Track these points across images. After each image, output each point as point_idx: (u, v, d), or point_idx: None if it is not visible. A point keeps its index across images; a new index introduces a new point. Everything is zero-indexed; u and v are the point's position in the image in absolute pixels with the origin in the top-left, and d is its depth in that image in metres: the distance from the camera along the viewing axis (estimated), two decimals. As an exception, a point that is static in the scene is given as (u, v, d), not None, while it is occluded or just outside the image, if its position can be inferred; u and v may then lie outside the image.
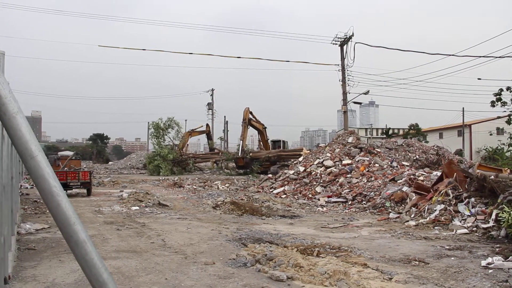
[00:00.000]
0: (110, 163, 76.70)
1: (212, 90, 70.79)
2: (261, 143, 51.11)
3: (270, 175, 29.07)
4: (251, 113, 46.61)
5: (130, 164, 64.49)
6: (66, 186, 20.10)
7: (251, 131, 50.98)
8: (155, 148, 49.90)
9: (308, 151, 38.08)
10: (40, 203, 17.56)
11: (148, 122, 51.63)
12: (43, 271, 7.27)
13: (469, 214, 11.81)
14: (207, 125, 59.74)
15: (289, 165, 29.66)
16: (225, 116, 75.62)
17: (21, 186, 22.88)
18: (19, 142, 1.67)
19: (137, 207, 16.55)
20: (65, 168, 25.36)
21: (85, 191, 22.04)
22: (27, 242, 9.81)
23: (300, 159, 28.20)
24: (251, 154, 44.41)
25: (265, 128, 49.53)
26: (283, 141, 49.63)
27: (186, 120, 78.18)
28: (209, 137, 58.90)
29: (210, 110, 69.15)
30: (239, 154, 43.56)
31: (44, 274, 7.11)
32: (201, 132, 57.50)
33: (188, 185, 28.65)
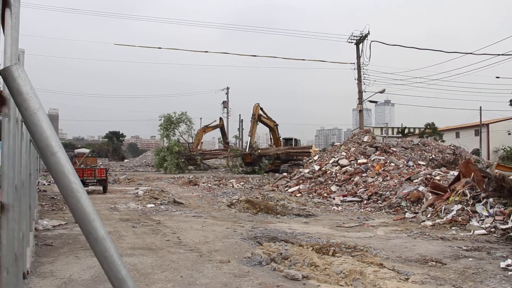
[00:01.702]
0: (125, 160, 77.26)
1: (227, 88, 70.56)
2: (272, 140, 50.59)
3: (285, 174, 28.99)
4: (261, 109, 46.01)
5: (145, 162, 64.81)
6: (82, 183, 20.22)
7: (265, 129, 50.52)
8: (162, 140, 48.45)
9: (317, 149, 37.79)
10: (57, 199, 17.76)
11: (163, 116, 48.95)
12: (60, 267, 7.35)
13: (487, 214, 11.65)
14: (220, 118, 58.99)
15: (303, 164, 29.55)
16: (240, 115, 75.53)
17: (38, 182, 23.15)
18: (40, 138, 1.68)
19: (153, 205, 16.63)
20: (82, 166, 25.57)
21: (101, 188, 22.23)
22: (45, 238, 9.92)
23: (315, 158, 28.10)
24: (259, 151, 43.97)
25: (277, 125, 48.79)
26: (295, 139, 48.57)
27: (201, 118, 77.94)
28: (223, 132, 58.24)
29: (225, 109, 68.87)
30: (247, 150, 43.19)
31: (61, 270, 7.18)
32: (215, 127, 56.68)
33: (203, 183, 28.72)
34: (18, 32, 2.03)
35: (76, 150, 44.65)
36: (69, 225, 11.83)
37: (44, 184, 25.74)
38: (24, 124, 5.20)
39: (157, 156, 46.15)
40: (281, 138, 48.79)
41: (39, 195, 18.61)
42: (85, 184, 20.85)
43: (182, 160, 45.13)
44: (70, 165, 1.73)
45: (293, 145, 46.19)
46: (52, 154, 1.69)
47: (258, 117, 45.44)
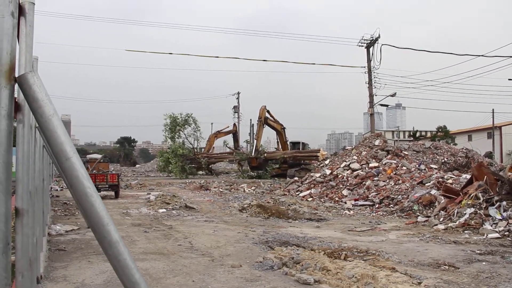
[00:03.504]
0: (137, 166, 77.68)
1: (238, 93, 70.36)
2: (279, 144, 49.99)
3: (296, 178, 28.93)
4: (268, 111, 45.31)
5: (156, 167, 64.88)
6: (94, 189, 20.41)
7: (273, 133, 49.86)
8: (167, 141, 46.98)
9: (326, 153, 37.49)
10: (70, 205, 17.87)
11: (168, 116, 46.51)
12: (73, 272, 7.39)
13: (501, 218, 11.54)
14: (234, 124, 58.26)
15: (310, 168, 29.45)
16: (251, 119, 75.59)
17: (51, 188, 23.34)
18: (55, 143, 1.71)
19: (164, 210, 16.67)
20: (94, 171, 25.72)
21: (113, 193, 22.31)
22: (58, 243, 9.99)
23: (326, 162, 28.04)
24: (265, 154, 43.43)
25: (284, 128, 47.90)
26: (303, 143, 47.79)
27: (212, 123, 77.96)
28: (236, 138, 57.71)
29: (236, 113, 68.64)
30: (253, 154, 42.67)
31: (74, 274, 7.23)
32: (228, 133, 55.74)
33: (215, 187, 28.75)
34: (32, 39, 2.07)
35: (88, 156, 44.93)
36: (82, 230, 11.91)
37: (57, 190, 25.90)
38: (38, 130, 5.27)
39: (161, 158, 45.66)
40: (288, 142, 48.21)
41: (52, 201, 18.72)
42: (97, 189, 20.86)
43: (187, 163, 44.06)
44: (84, 170, 1.76)
45: (300, 149, 45.46)
46: (67, 159, 1.72)
47: (265, 120, 44.78)
